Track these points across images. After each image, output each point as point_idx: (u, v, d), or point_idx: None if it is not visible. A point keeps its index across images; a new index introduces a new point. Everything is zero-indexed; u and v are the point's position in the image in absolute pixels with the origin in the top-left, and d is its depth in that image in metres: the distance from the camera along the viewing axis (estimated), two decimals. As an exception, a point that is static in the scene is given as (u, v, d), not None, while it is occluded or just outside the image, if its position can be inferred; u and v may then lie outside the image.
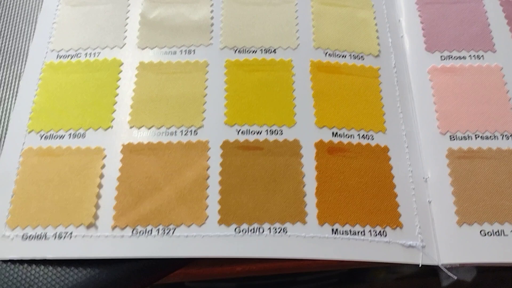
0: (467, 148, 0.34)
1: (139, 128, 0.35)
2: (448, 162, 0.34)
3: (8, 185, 0.33)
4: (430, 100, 0.37)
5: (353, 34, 0.39)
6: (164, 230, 0.31)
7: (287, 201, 0.32)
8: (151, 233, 0.31)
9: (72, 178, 0.33)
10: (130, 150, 0.34)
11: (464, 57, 0.39)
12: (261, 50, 0.38)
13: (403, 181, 0.33)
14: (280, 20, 0.40)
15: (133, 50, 0.38)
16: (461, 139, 0.35)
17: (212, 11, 0.40)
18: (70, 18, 0.40)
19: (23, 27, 0.40)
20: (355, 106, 0.36)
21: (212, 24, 0.40)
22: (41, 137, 0.35)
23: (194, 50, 0.38)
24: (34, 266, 0.30)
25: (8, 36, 0.40)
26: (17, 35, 0.40)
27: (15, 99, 0.36)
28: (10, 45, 0.39)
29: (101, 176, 0.33)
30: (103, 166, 0.33)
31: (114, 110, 0.36)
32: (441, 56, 0.39)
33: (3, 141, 0.35)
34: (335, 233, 0.31)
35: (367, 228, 0.32)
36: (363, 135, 0.35)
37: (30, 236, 0.31)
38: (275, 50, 0.38)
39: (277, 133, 0.35)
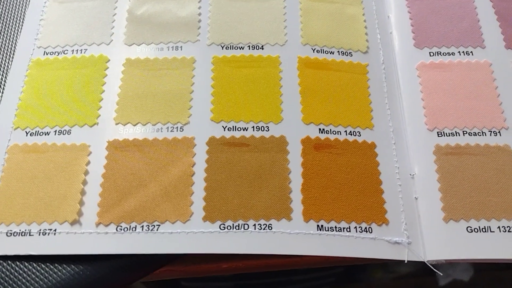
0: (454, 144, 0.34)
1: (125, 124, 0.35)
2: (435, 158, 0.34)
3: (-7, 182, 0.32)
4: (418, 96, 0.36)
5: (341, 30, 0.39)
6: (148, 227, 0.31)
7: (273, 197, 0.32)
8: (135, 229, 0.31)
9: (56, 174, 0.33)
10: (115, 147, 0.34)
11: (453, 53, 0.38)
12: (249, 46, 0.38)
13: (390, 177, 0.33)
14: (268, 16, 0.39)
15: (120, 46, 0.38)
16: (449, 135, 0.35)
17: (199, 7, 0.40)
18: (57, 14, 0.40)
19: (11, 24, 0.40)
20: (343, 103, 0.36)
21: (199, 21, 0.39)
22: (27, 133, 0.34)
23: (181, 47, 0.38)
24: (18, 262, 0.30)
25: (-4, 33, 0.40)
26: (4, 32, 0.39)
27: (1, 96, 0.36)
28: (-3, 42, 0.39)
29: (86, 172, 0.33)
30: (88, 163, 0.33)
31: (100, 107, 0.35)
32: (430, 52, 0.38)
33: (-11, 138, 0.34)
34: (320, 229, 0.31)
35: (353, 224, 0.31)
36: (350, 131, 0.35)
37: (14, 233, 0.31)
38: (262, 46, 0.38)
39: (263, 130, 0.34)
